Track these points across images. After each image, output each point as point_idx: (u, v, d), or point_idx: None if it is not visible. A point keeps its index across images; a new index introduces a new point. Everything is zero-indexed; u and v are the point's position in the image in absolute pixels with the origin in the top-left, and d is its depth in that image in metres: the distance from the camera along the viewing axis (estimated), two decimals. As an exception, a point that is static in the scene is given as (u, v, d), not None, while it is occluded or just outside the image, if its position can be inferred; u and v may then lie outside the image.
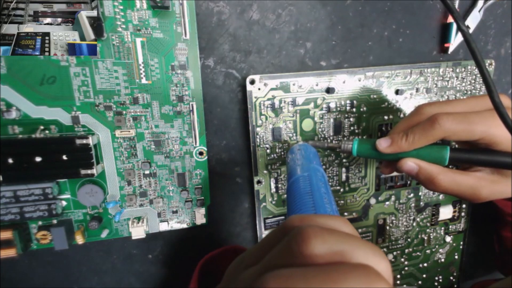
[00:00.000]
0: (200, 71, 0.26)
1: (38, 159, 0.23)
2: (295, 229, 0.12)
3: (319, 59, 0.29)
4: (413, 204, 0.35)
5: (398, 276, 0.37)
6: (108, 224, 0.27)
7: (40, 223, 0.26)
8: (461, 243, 0.38)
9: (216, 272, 0.28)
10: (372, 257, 0.11)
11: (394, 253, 0.36)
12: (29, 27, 0.22)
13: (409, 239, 0.36)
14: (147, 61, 0.25)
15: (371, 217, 0.34)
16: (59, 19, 0.23)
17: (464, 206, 0.37)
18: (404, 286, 0.37)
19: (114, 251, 0.30)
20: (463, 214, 0.37)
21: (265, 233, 0.31)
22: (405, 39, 0.31)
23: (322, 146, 0.28)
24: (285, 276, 0.10)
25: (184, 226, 0.29)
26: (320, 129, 0.30)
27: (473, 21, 0.31)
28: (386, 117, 0.31)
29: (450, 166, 0.26)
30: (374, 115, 0.31)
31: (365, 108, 0.30)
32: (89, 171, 0.24)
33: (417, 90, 0.31)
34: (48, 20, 0.23)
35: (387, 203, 0.34)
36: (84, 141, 0.23)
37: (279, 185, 0.30)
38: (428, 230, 0.36)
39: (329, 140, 0.30)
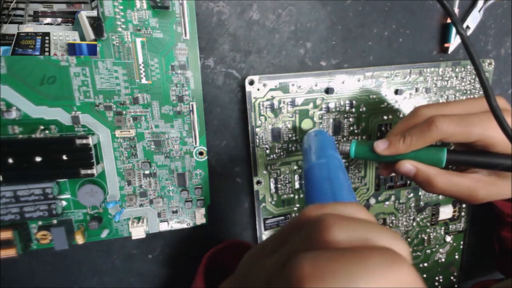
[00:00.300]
0: (200, 71, 0.26)
1: (38, 159, 0.23)
2: (316, 218, 0.12)
3: (319, 59, 0.29)
4: (413, 204, 0.35)
5: (398, 276, 0.36)
6: (108, 224, 0.27)
7: (40, 223, 0.26)
8: (461, 243, 0.38)
9: (219, 267, 0.28)
10: (392, 241, 0.12)
11: (394, 253, 0.35)
12: (29, 27, 0.22)
13: (409, 239, 0.36)
14: (147, 61, 0.25)
15: (371, 217, 0.34)
16: (59, 19, 0.23)
17: (464, 206, 0.37)
18: None
19: (114, 251, 0.30)
20: (463, 214, 0.37)
21: (265, 233, 0.31)
22: (405, 39, 0.31)
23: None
24: (316, 256, 0.11)
25: (184, 226, 0.29)
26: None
27: (473, 21, 0.31)
28: (385, 117, 0.31)
29: (450, 167, 0.26)
30: (373, 115, 0.31)
31: (364, 108, 0.30)
32: (89, 171, 0.24)
33: (417, 90, 0.31)
34: (48, 20, 0.23)
35: (387, 203, 0.34)
36: (84, 141, 0.23)
37: (279, 186, 0.30)
38: (428, 230, 0.36)
39: (329, 140, 0.30)
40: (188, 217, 0.29)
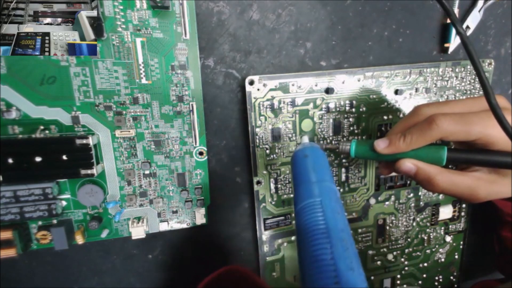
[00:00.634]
0: (200, 71, 0.26)
1: (38, 159, 0.23)
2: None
3: (319, 59, 0.29)
4: (413, 204, 0.35)
5: (398, 276, 0.37)
6: (108, 224, 0.27)
7: (40, 223, 0.26)
8: (461, 243, 0.38)
9: None
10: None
11: (394, 253, 0.36)
12: (29, 27, 0.22)
13: (409, 239, 0.36)
14: (147, 61, 0.25)
15: (371, 217, 0.34)
16: (59, 19, 0.23)
17: (464, 206, 0.37)
18: (404, 286, 0.37)
19: (114, 251, 0.30)
20: (463, 214, 0.37)
21: (265, 233, 0.31)
22: (405, 39, 0.31)
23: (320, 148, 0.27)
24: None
25: (184, 226, 0.29)
26: (319, 130, 0.30)
27: (473, 21, 0.32)
28: (385, 117, 0.31)
29: (450, 166, 0.26)
30: (373, 115, 0.31)
31: (364, 108, 0.30)
32: (89, 171, 0.24)
33: (417, 90, 0.31)
34: (48, 20, 0.23)
35: (387, 203, 0.34)
36: (84, 141, 0.23)
37: (279, 186, 0.30)
38: (428, 230, 0.36)
39: (328, 141, 0.30)
40: (188, 217, 0.29)
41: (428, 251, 0.37)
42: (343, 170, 0.32)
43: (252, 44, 0.28)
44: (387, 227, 0.34)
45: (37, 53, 0.23)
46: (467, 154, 0.23)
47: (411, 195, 0.34)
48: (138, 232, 0.27)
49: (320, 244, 0.15)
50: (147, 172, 0.27)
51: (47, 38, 0.23)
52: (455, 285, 0.39)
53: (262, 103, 0.28)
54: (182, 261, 0.31)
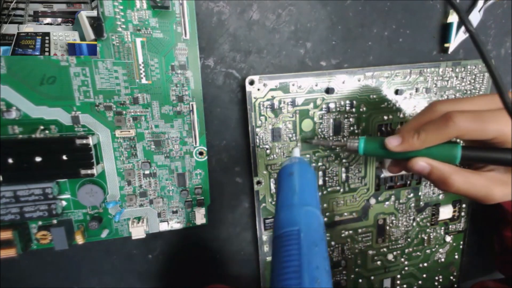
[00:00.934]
0: (200, 71, 0.26)
1: (38, 159, 0.23)
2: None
3: (319, 59, 0.29)
4: (413, 204, 0.35)
5: (398, 276, 0.37)
6: (108, 224, 0.27)
7: (40, 223, 0.26)
8: (461, 243, 0.38)
9: None
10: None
11: (394, 253, 0.36)
12: (29, 27, 0.22)
13: (409, 239, 0.36)
14: (147, 61, 0.25)
15: (371, 217, 0.34)
16: (59, 19, 0.23)
17: (464, 206, 0.37)
18: (404, 286, 0.37)
19: (114, 251, 0.30)
20: (463, 214, 0.37)
21: (265, 233, 0.31)
22: (405, 39, 0.31)
23: (326, 145, 0.26)
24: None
25: (184, 226, 0.29)
26: (319, 130, 0.30)
27: (473, 21, 0.31)
28: (385, 117, 0.31)
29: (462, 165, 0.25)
30: (373, 115, 0.31)
31: (364, 108, 0.30)
32: (89, 171, 0.24)
33: (417, 90, 0.31)
34: (48, 20, 0.23)
35: (387, 203, 0.34)
36: (84, 141, 0.23)
37: (279, 185, 0.30)
38: (428, 230, 0.36)
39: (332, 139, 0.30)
40: (188, 217, 0.29)
41: (428, 251, 0.37)
42: (343, 170, 0.32)
43: (252, 44, 0.28)
44: (387, 227, 0.34)
45: (37, 53, 0.23)
46: (482, 153, 0.22)
47: (411, 195, 0.34)
48: (138, 232, 0.27)
49: (290, 282, 0.14)
50: (147, 172, 0.27)
51: (47, 38, 0.23)
52: (455, 285, 0.39)
53: (262, 103, 0.28)
54: (182, 261, 0.31)
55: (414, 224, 0.35)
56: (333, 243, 0.33)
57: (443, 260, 0.38)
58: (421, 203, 0.35)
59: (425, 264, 0.37)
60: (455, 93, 0.32)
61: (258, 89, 0.27)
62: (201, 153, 0.28)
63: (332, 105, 0.29)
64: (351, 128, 0.30)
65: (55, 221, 0.26)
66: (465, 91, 0.33)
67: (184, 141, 0.27)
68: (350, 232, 0.33)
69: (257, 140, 0.28)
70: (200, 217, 0.29)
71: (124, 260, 0.30)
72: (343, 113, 0.30)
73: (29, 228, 0.26)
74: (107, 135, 0.25)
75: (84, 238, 0.27)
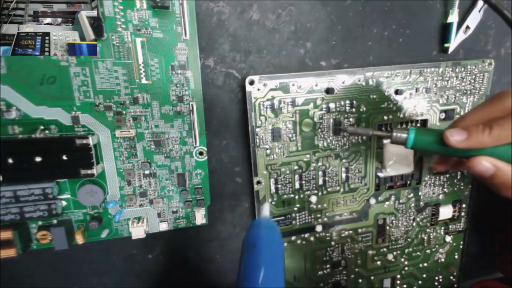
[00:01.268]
0: (200, 71, 0.26)
1: (38, 159, 0.23)
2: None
3: (319, 59, 0.29)
4: (413, 204, 0.35)
5: (398, 276, 0.37)
6: (108, 224, 0.27)
7: (40, 223, 0.26)
8: (461, 243, 0.38)
9: None
10: None
11: (394, 253, 0.36)
12: (29, 27, 0.22)
13: (409, 239, 0.36)
14: (147, 61, 0.25)
15: (371, 217, 0.34)
16: (59, 19, 0.23)
17: (464, 206, 0.37)
18: (405, 286, 0.37)
19: (114, 251, 0.30)
20: (463, 214, 0.37)
21: (265, 233, 0.31)
22: (405, 39, 0.31)
23: (365, 134, 0.24)
24: None
25: (184, 226, 0.29)
26: (319, 130, 0.30)
27: (473, 21, 0.31)
28: (385, 117, 0.31)
29: None
30: (373, 115, 0.31)
31: (364, 108, 0.30)
32: (89, 171, 0.24)
33: (417, 90, 0.31)
34: (48, 20, 0.23)
35: (387, 203, 0.34)
36: (84, 141, 0.23)
37: (279, 186, 0.30)
38: (428, 230, 0.36)
39: (329, 140, 0.30)
40: (188, 217, 0.29)
41: (428, 251, 0.37)
42: (343, 170, 0.32)
43: (252, 44, 0.28)
44: (387, 227, 0.34)
45: (37, 53, 0.23)
46: None
47: (411, 195, 0.34)
48: (138, 232, 0.27)
49: None
50: (147, 172, 0.27)
51: (47, 38, 0.23)
52: (455, 285, 0.39)
53: (262, 103, 0.28)
54: (182, 261, 0.31)
55: (414, 224, 0.35)
56: (333, 243, 0.33)
57: (443, 260, 0.38)
58: (421, 203, 0.35)
59: (425, 264, 0.37)
60: (455, 93, 0.32)
61: (258, 89, 0.27)
62: (201, 153, 0.28)
63: (332, 105, 0.29)
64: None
65: (55, 221, 0.26)
66: (465, 91, 0.33)
67: (184, 141, 0.27)
68: (350, 232, 0.33)
69: (257, 140, 0.28)
70: (200, 217, 0.29)
71: (124, 260, 0.30)
72: (343, 113, 0.30)
73: (29, 228, 0.26)
74: (107, 135, 0.25)
75: (84, 238, 0.27)
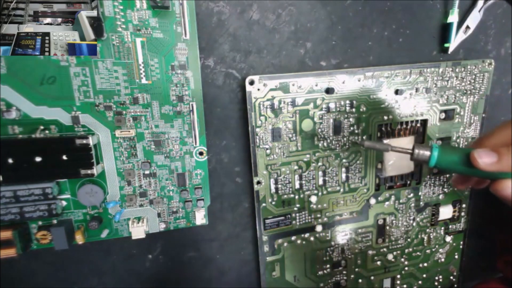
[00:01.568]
0: (200, 71, 0.26)
1: (38, 159, 0.23)
2: None
3: (319, 59, 0.29)
4: (413, 204, 0.35)
5: (398, 276, 0.37)
6: (108, 224, 0.27)
7: (40, 223, 0.26)
8: (461, 243, 0.38)
9: None
10: None
11: (394, 253, 0.36)
12: (29, 27, 0.22)
13: (409, 239, 0.36)
14: (147, 61, 0.25)
15: (371, 217, 0.34)
16: (59, 19, 0.23)
17: (464, 206, 0.37)
18: (405, 286, 0.37)
19: (114, 251, 0.30)
20: (463, 214, 0.37)
21: (265, 233, 0.31)
22: (405, 39, 0.31)
23: (383, 150, 0.23)
24: None
25: (184, 226, 0.29)
26: (319, 130, 0.30)
27: (473, 21, 0.31)
28: (385, 117, 0.31)
29: None
30: (373, 115, 0.31)
31: (364, 108, 0.30)
32: (89, 171, 0.24)
33: (417, 90, 0.31)
34: (48, 20, 0.23)
35: (387, 203, 0.34)
36: (84, 141, 0.23)
37: (279, 186, 0.30)
38: (428, 230, 0.36)
39: (329, 140, 0.30)
40: (188, 217, 0.29)
41: (428, 251, 0.37)
42: (343, 170, 0.32)
43: (252, 44, 0.28)
44: (387, 227, 0.34)
45: (37, 53, 0.23)
46: None
47: (411, 195, 0.34)
48: (138, 232, 0.27)
49: None
50: (147, 172, 0.27)
51: (47, 38, 0.23)
52: (455, 285, 0.39)
53: (262, 103, 0.28)
54: (182, 261, 0.31)
55: (414, 224, 0.35)
56: (333, 243, 0.33)
57: (443, 260, 0.38)
58: (421, 203, 0.35)
59: (425, 264, 0.37)
60: (455, 93, 0.32)
61: (258, 89, 0.27)
62: (201, 153, 0.28)
63: (332, 105, 0.29)
64: (351, 128, 0.30)
65: (55, 221, 0.26)
66: (465, 91, 0.33)
67: (184, 141, 0.27)
68: (350, 232, 0.33)
69: (257, 140, 0.28)
70: (200, 217, 0.29)
71: (124, 260, 0.30)
72: (343, 113, 0.30)
73: (29, 228, 0.26)
74: (107, 135, 0.25)
75: (84, 238, 0.27)
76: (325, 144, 0.30)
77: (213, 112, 0.28)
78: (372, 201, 0.33)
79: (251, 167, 0.29)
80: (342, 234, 0.33)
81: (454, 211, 0.36)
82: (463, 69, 0.32)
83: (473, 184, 0.21)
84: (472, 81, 0.33)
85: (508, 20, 0.33)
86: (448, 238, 0.37)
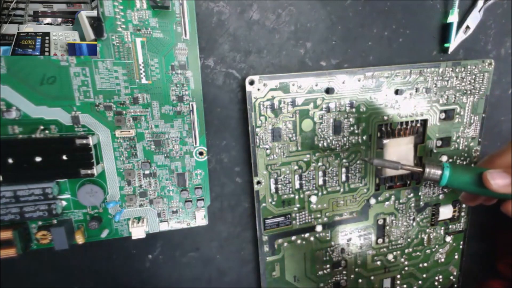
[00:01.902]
0: (200, 71, 0.26)
1: (38, 159, 0.23)
2: None
3: (319, 59, 0.29)
4: (413, 204, 0.35)
5: (398, 276, 0.37)
6: (108, 224, 0.27)
7: (40, 223, 0.26)
8: (461, 243, 0.38)
9: None
10: None
11: (394, 253, 0.36)
12: (29, 27, 0.22)
13: (409, 239, 0.36)
14: (147, 61, 0.25)
15: (371, 217, 0.34)
16: (59, 19, 0.23)
17: (464, 206, 0.37)
18: (404, 286, 0.37)
19: (114, 251, 0.30)
20: (463, 214, 0.37)
21: (265, 233, 0.31)
22: (405, 39, 0.31)
23: (393, 168, 0.22)
24: None
25: (184, 226, 0.29)
26: (319, 130, 0.30)
27: (473, 21, 0.31)
28: (385, 117, 0.31)
29: None
30: (373, 115, 0.31)
31: (364, 108, 0.30)
32: (89, 171, 0.24)
33: (417, 90, 0.31)
34: (48, 20, 0.23)
35: (387, 203, 0.34)
36: (84, 141, 0.23)
37: (279, 186, 0.30)
38: (428, 230, 0.36)
39: (329, 140, 0.30)
40: (188, 217, 0.29)
41: (428, 251, 0.37)
42: (343, 170, 0.32)
43: (252, 44, 0.28)
44: (387, 227, 0.34)
45: (37, 53, 0.23)
46: None
47: (411, 195, 0.34)
48: (138, 232, 0.27)
49: None
50: (147, 172, 0.27)
51: (47, 38, 0.23)
52: (455, 285, 0.39)
53: (263, 103, 0.28)
54: (182, 261, 0.31)
55: (414, 224, 0.35)
56: (333, 243, 0.33)
57: (443, 260, 0.38)
58: (421, 203, 0.35)
59: (425, 264, 0.37)
60: (455, 93, 0.32)
61: (258, 89, 0.27)
62: (201, 153, 0.28)
63: (332, 105, 0.29)
64: (351, 128, 0.30)
65: (55, 221, 0.26)
66: (465, 91, 0.33)
67: (184, 141, 0.27)
68: (350, 232, 0.33)
69: (257, 140, 0.28)
70: (200, 217, 0.29)
71: (124, 260, 0.30)
72: (343, 113, 0.30)
73: (29, 228, 0.26)
74: (107, 135, 0.25)
75: (84, 238, 0.27)
76: (325, 144, 0.30)
77: (213, 112, 0.28)
78: (372, 201, 0.33)
79: (251, 167, 0.29)
80: (342, 234, 0.33)
81: (454, 211, 0.36)
82: (463, 69, 0.32)
83: (483, 200, 0.21)
84: (472, 81, 0.33)
85: (508, 20, 0.33)
86: (448, 238, 0.37)
